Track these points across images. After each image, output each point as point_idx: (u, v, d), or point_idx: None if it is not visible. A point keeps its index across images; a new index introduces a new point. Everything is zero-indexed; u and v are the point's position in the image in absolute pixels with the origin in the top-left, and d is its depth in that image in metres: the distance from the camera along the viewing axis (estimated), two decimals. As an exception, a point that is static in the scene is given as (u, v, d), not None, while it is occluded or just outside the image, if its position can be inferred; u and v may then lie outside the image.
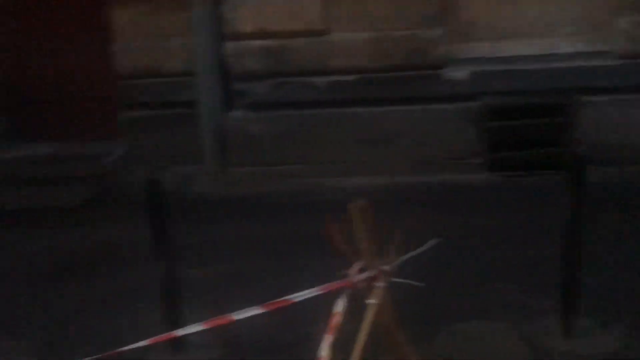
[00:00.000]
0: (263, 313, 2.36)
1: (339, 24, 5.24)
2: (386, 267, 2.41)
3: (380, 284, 2.39)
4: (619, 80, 5.04)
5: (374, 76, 5.25)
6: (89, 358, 2.26)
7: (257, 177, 5.27)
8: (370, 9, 5.20)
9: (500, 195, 4.85)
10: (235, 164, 5.38)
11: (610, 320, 3.20)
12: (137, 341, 2.31)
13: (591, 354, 3.01)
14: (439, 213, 4.46)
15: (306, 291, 2.37)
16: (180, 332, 2.66)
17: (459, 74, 5.20)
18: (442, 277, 3.51)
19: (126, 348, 2.30)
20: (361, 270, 2.39)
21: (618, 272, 3.64)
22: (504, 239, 4.11)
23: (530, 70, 5.15)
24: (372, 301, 2.37)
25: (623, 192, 4.65)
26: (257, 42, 5.31)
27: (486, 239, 4.10)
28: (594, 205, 4.22)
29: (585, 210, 3.02)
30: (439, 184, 5.07)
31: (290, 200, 4.89)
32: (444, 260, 3.51)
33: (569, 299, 3.09)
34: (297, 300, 2.37)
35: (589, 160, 3.12)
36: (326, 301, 2.38)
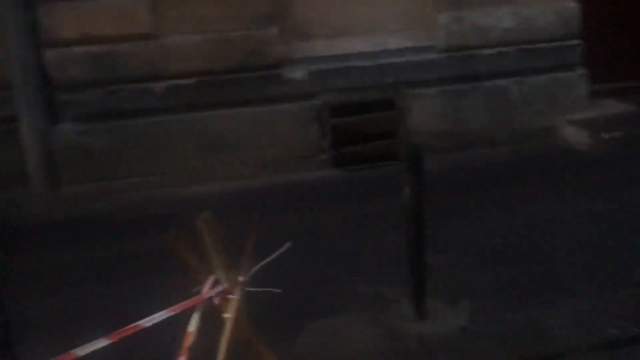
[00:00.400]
0: (110, 344, 2.15)
1: (169, 27, 5.01)
2: (240, 278, 2.31)
3: (235, 296, 2.29)
4: (443, 72, 5.37)
5: (212, 79, 5.08)
6: None
7: (92, 194, 4.87)
8: (201, 11, 5.01)
9: (346, 189, 4.97)
10: (66, 182, 4.95)
11: (458, 298, 3.37)
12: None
13: (442, 332, 3.15)
14: (289, 213, 4.44)
15: (156, 314, 2.20)
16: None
17: (298, 73, 5.21)
18: (297, 277, 3.48)
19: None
20: (214, 284, 2.27)
21: (460, 251, 3.85)
22: (352, 231, 4.19)
23: (364, 67, 5.31)
24: (228, 315, 2.26)
25: (456, 177, 4.96)
26: (81, 49, 4.90)
27: (335, 234, 4.16)
28: (431, 191, 4.49)
29: (424, 197, 3.13)
30: (286, 183, 5.05)
31: (131, 216, 4.56)
32: (298, 260, 3.48)
33: (418, 282, 3.22)
34: (147, 325, 2.18)
35: (423, 149, 3.26)
36: (180, 321, 2.23)
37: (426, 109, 5.37)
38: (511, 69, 5.43)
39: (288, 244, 2.48)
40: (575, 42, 5.50)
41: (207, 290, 2.24)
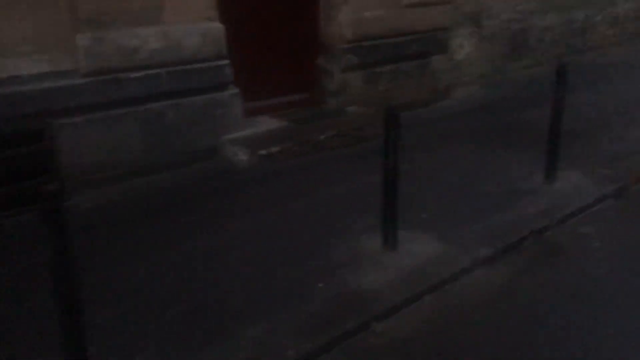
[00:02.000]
0: None
1: None
2: None
3: None
4: (90, 98, 4.87)
5: None
6: None
7: None
8: None
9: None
10: None
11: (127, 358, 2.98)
12: None
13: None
14: None
15: None
16: None
17: None
18: None
19: None
20: None
21: (126, 302, 3.44)
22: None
23: (-8, 96, 4.48)
24: None
25: (113, 212, 4.52)
26: None
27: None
28: (87, 233, 3.98)
29: (74, 242, 2.64)
30: None
31: None
32: None
33: (74, 346, 2.72)
34: None
35: (72, 187, 2.76)
36: None
37: (75, 139, 4.79)
38: (164, 92, 5.21)
39: None
40: (224, 62, 5.54)
41: None
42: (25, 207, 4.37)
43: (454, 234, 4.11)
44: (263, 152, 5.51)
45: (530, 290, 3.68)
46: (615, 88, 7.73)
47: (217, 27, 5.46)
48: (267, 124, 6.07)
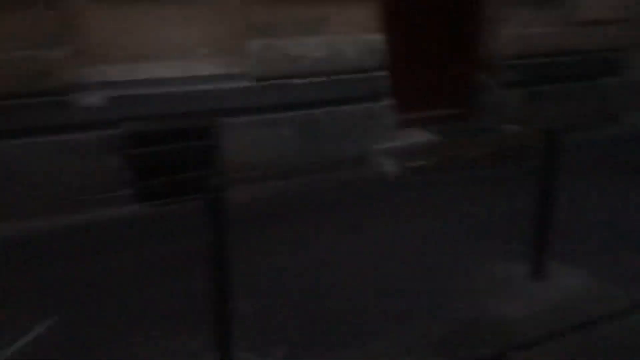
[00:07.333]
0: None
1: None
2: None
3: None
4: (255, 101, 5.20)
5: (-6, 105, 4.41)
6: None
7: None
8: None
9: (150, 227, 4.54)
10: None
11: (270, 346, 3.14)
12: None
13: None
14: (81, 260, 3.92)
15: None
16: None
17: (93, 99, 4.70)
18: (81, 332, 3.00)
19: None
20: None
21: (271, 293, 3.63)
22: (151, 278, 3.78)
23: (170, 94, 4.95)
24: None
25: (267, 208, 4.79)
26: None
27: (132, 281, 3.73)
28: (241, 225, 4.25)
29: (226, 238, 2.85)
30: (83, 223, 4.51)
31: None
32: (83, 314, 3.02)
33: (225, 331, 2.93)
34: None
35: (232, 181, 2.99)
36: None
37: (238, 138, 5.14)
38: (322, 99, 5.42)
39: (51, 320, 2.05)
40: (382, 73, 5.63)
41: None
42: (188, 195, 4.78)
43: (611, 271, 3.83)
44: (412, 164, 5.53)
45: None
46: None
47: (377, 39, 5.58)
48: (418, 136, 6.07)
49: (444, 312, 3.47)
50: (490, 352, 3.19)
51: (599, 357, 3.25)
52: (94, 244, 4.20)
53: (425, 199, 5.02)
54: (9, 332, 1.92)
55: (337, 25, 5.39)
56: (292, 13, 5.22)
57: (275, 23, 5.18)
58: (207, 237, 2.85)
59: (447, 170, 5.55)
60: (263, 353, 3.14)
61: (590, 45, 6.67)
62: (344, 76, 5.48)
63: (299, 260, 3.98)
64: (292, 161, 5.38)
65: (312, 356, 3.12)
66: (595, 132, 6.55)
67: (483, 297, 3.60)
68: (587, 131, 6.50)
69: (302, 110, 5.40)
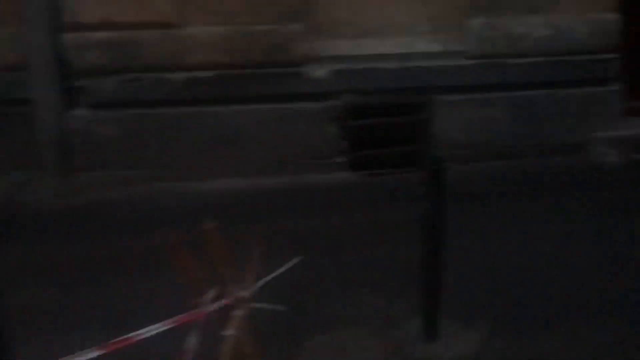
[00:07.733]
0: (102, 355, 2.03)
1: (193, 17, 4.88)
2: (244, 293, 2.18)
3: (238, 312, 2.16)
4: (471, 79, 5.19)
5: (233, 73, 4.94)
6: None
7: (104, 183, 4.78)
8: (227, 2, 4.90)
9: (362, 195, 4.80)
10: (78, 169, 4.85)
11: (472, 319, 3.21)
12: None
13: (454, 356, 2.99)
14: (301, 218, 4.30)
15: (152, 326, 2.08)
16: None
17: (321, 72, 5.06)
18: (303, 287, 3.34)
19: None
20: (216, 298, 2.13)
21: (478, 270, 3.68)
22: (367, 241, 4.04)
23: (389, 69, 5.14)
24: (229, 332, 2.13)
25: (478, 188, 4.78)
26: (101, 34, 4.80)
27: (348, 244, 4.01)
28: (455, 201, 4.33)
29: (445, 211, 2.97)
30: (300, 184, 4.91)
31: (140, 210, 4.46)
32: (305, 268, 3.34)
33: (431, 300, 3.05)
34: (142, 337, 2.06)
35: (445, 158, 3.09)
36: (177, 336, 2.10)
37: (450, 116, 5.18)
38: (542, 80, 5.22)
39: (297, 259, 2.34)
40: (612, 55, 5.26)
41: (207, 304, 2.10)
42: (399, 168, 4.96)
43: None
44: (636, 156, 5.13)
45: None
46: None
47: (611, 18, 5.20)
48: (646, 126, 5.59)
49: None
50: None
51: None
52: (313, 204, 4.56)
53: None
54: (261, 269, 2.24)
55: (568, 3, 5.13)
56: (519, -9, 5.09)
57: (500, 1, 5.09)
58: (424, 207, 2.98)
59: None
60: (468, 324, 3.21)
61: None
62: (568, 57, 5.21)
63: (510, 241, 3.97)
64: (503, 143, 5.28)
65: (518, 337, 3.13)
66: None
67: None
68: None
69: (518, 92, 5.26)
